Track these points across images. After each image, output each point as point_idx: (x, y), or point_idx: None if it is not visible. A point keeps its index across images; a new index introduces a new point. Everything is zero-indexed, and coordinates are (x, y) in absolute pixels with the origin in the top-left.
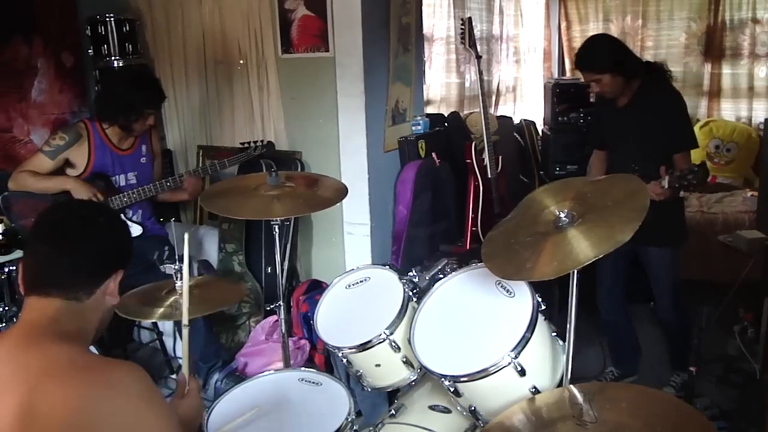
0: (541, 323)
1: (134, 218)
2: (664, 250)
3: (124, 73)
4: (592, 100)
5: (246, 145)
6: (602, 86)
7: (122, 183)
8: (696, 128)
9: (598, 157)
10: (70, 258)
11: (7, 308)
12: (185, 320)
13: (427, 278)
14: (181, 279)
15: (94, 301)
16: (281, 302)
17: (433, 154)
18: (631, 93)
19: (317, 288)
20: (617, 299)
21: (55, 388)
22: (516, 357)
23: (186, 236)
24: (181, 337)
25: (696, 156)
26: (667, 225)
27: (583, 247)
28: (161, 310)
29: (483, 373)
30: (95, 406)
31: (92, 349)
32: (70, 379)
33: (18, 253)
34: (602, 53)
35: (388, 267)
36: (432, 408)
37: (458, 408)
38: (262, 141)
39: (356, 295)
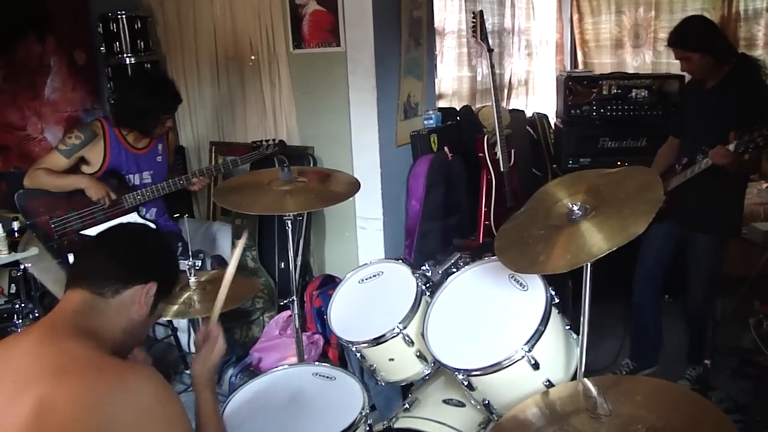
0: (555, 316)
1: (147, 216)
2: (710, 238)
3: (138, 78)
4: (605, 93)
5: (258, 143)
6: (691, 65)
7: (137, 182)
8: None
9: (670, 144)
10: (106, 253)
11: (23, 305)
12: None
13: (440, 272)
14: (194, 275)
15: (119, 302)
16: (295, 297)
17: (446, 148)
18: (719, 77)
19: (330, 283)
20: (654, 282)
21: (68, 385)
22: (529, 350)
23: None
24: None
25: None
26: (722, 213)
27: (596, 240)
28: (175, 307)
29: (497, 367)
30: (107, 406)
31: None
32: (85, 377)
33: (33, 251)
34: (697, 32)
35: (401, 261)
36: (446, 402)
37: (472, 402)
38: (273, 140)
39: (369, 290)
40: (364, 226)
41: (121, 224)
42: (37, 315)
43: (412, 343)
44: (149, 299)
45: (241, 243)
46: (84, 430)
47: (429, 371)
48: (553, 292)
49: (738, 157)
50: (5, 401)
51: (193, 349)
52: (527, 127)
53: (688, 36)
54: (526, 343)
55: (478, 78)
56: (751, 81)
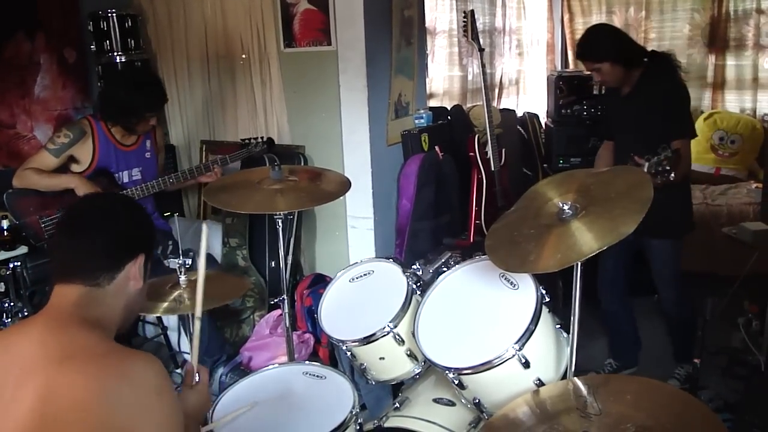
0: (545, 315)
1: None
2: (664, 242)
3: (126, 74)
4: (595, 92)
5: (246, 141)
6: (602, 75)
7: (126, 179)
8: (700, 120)
9: (606, 148)
10: (88, 245)
11: (12, 303)
12: (198, 313)
13: (430, 271)
14: (185, 273)
15: (115, 286)
16: (285, 296)
17: (437, 148)
18: (633, 82)
19: (321, 282)
20: (618, 290)
21: (72, 372)
22: (520, 349)
23: (204, 228)
24: (186, 332)
25: (701, 147)
26: (669, 217)
27: (586, 240)
28: (165, 304)
29: (487, 366)
30: (109, 392)
31: None
32: (88, 365)
33: (22, 249)
34: (600, 42)
35: (391, 260)
36: (436, 401)
37: (463, 401)
38: (262, 138)
39: (360, 289)
40: (354, 225)
41: (80, 202)
42: (26, 313)
43: (403, 342)
44: (141, 270)
45: (203, 244)
46: (89, 415)
47: (419, 370)
48: (544, 291)
49: (653, 178)
50: (13, 388)
51: (184, 348)
52: (518, 127)
53: (594, 47)
54: (516, 342)
55: (469, 77)
56: (666, 81)
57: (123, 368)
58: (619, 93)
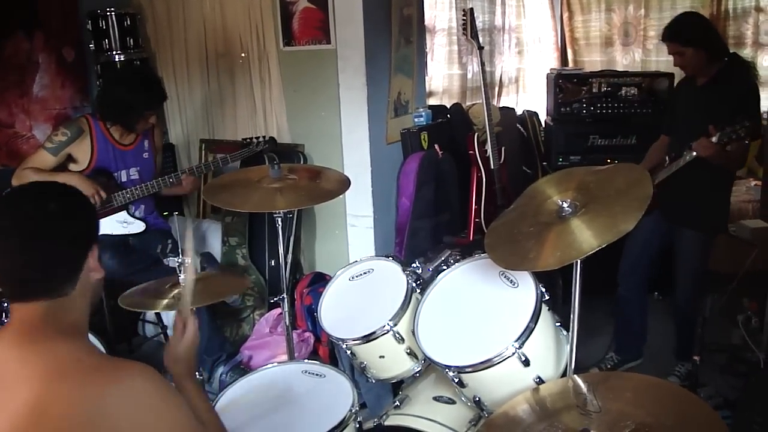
0: (545, 313)
1: (137, 214)
2: (697, 233)
3: (125, 72)
4: (594, 91)
5: (248, 140)
6: (684, 60)
7: (124, 178)
8: None
9: (662, 142)
10: (39, 257)
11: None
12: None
13: (430, 269)
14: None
15: (80, 286)
16: (285, 295)
17: (436, 146)
18: (710, 74)
19: (321, 280)
20: (639, 276)
21: (64, 388)
22: (520, 347)
23: (189, 229)
24: None
25: None
26: (709, 210)
27: (586, 237)
28: (165, 301)
29: (487, 364)
30: (103, 407)
31: (97, 344)
32: (80, 380)
33: None
34: (690, 27)
35: (391, 258)
36: (436, 399)
37: (463, 399)
38: (264, 137)
39: (360, 287)
40: (354, 224)
41: (7, 210)
42: (7, 322)
43: (403, 340)
44: (97, 260)
45: (189, 237)
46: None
47: (419, 368)
48: (543, 289)
49: (720, 149)
50: None
51: None
52: (517, 125)
53: (684, 30)
54: (516, 340)
55: (469, 76)
56: (742, 80)
57: (115, 381)
58: (694, 82)
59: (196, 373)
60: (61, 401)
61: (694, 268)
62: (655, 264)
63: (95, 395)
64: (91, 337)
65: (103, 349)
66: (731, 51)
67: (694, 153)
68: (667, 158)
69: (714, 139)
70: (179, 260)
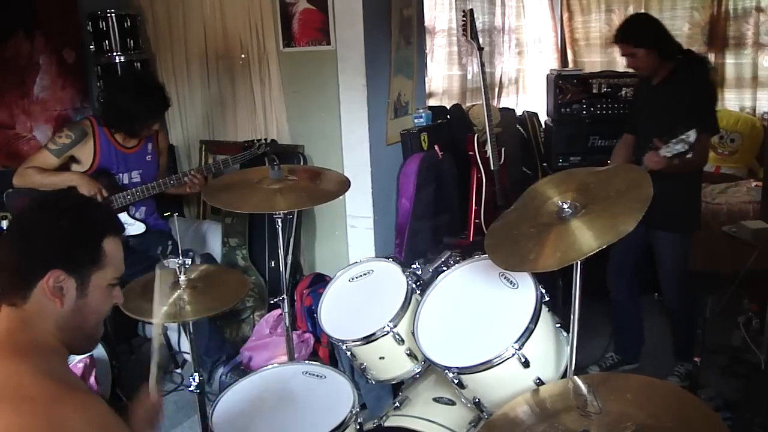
0: (545, 314)
1: (137, 215)
2: (672, 235)
3: (127, 80)
4: (594, 91)
5: (249, 143)
6: (636, 61)
7: (126, 181)
8: None
9: (625, 141)
10: (1, 258)
11: None
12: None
13: (430, 270)
14: (184, 274)
15: (34, 305)
16: (285, 296)
17: (436, 147)
18: (665, 73)
19: (321, 281)
20: (625, 280)
21: (2, 415)
22: (520, 348)
23: (158, 272)
24: (185, 332)
25: None
26: (677, 210)
27: (586, 238)
28: (164, 308)
29: (487, 365)
30: None
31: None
32: (14, 407)
33: None
34: (641, 28)
35: (391, 260)
36: (436, 400)
37: (462, 400)
38: (265, 139)
39: (360, 288)
40: (354, 225)
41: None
42: None
43: (403, 341)
44: (59, 289)
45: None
46: None
47: (419, 369)
48: (543, 290)
49: (670, 162)
50: None
51: (184, 348)
52: (517, 126)
53: (634, 32)
54: (516, 341)
55: (469, 76)
56: (696, 78)
57: (48, 416)
58: (650, 83)
59: None
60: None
61: (675, 268)
62: (642, 266)
63: (25, 426)
64: None
65: (104, 352)
66: (686, 49)
67: (647, 166)
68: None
69: (662, 153)
70: (179, 261)
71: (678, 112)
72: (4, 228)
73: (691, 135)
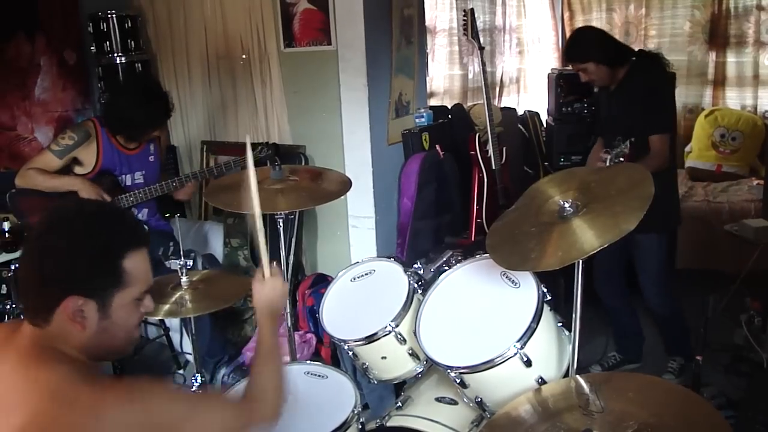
0: (547, 313)
1: (139, 217)
2: (647, 236)
3: (130, 85)
4: (595, 89)
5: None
6: (588, 75)
7: (129, 182)
8: (701, 117)
9: (599, 144)
10: (21, 277)
11: (14, 305)
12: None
13: (432, 270)
14: (186, 275)
15: (56, 328)
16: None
17: (437, 147)
18: (619, 79)
19: (322, 281)
20: (615, 284)
21: (43, 418)
22: (522, 347)
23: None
24: (187, 333)
25: (702, 144)
26: (652, 211)
27: (588, 237)
28: (167, 306)
29: (489, 364)
30: None
31: None
32: (57, 411)
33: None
34: (585, 44)
35: (393, 259)
36: (439, 400)
37: (465, 399)
38: (267, 143)
39: (361, 288)
40: (356, 225)
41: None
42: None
43: (405, 341)
44: (79, 314)
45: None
46: None
47: (421, 369)
48: (545, 290)
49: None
50: None
51: (186, 349)
52: (519, 125)
53: (579, 48)
54: (518, 341)
55: (470, 76)
56: (644, 78)
57: (94, 413)
58: (608, 89)
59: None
60: (46, 428)
61: (654, 268)
62: (627, 271)
63: (77, 426)
64: None
65: None
66: (639, 49)
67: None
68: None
69: (607, 164)
70: (181, 263)
71: (634, 115)
72: (6, 229)
73: (626, 146)
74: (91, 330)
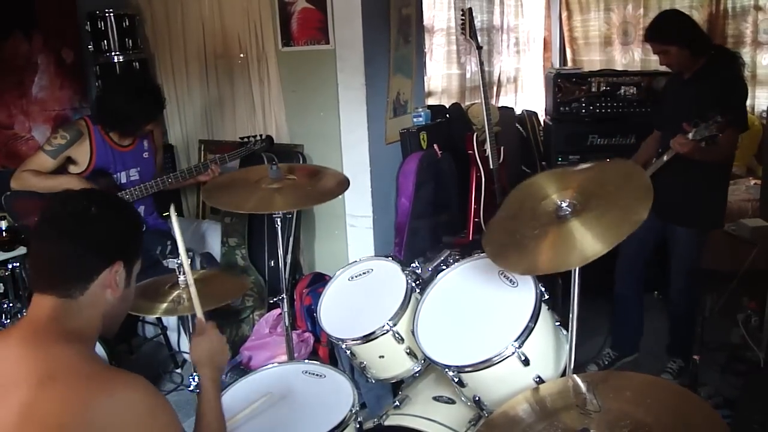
0: (545, 313)
1: None
2: (690, 231)
3: (123, 81)
4: (594, 90)
5: (245, 139)
6: (668, 58)
7: (124, 179)
8: None
9: (653, 137)
10: (56, 252)
11: (11, 304)
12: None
13: (429, 269)
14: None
15: (90, 296)
16: (284, 295)
17: (435, 146)
18: (696, 68)
19: (320, 281)
20: (636, 274)
21: (55, 392)
22: (520, 347)
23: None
24: (186, 332)
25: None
26: (702, 206)
27: (589, 240)
28: (164, 305)
29: (487, 363)
30: (93, 416)
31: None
32: (71, 386)
33: (21, 250)
34: (672, 26)
35: (390, 258)
36: (436, 399)
37: (462, 398)
38: (261, 135)
39: (359, 287)
40: (353, 224)
41: (55, 203)
42: (25, 314)
43: (402, 340)
44: (120, 279)
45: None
46: None
47: (419, 368)
48: (543, 289)
49: (697, 145)
50: None
51: (184, 348)
52: (516, 125)
53: (666, 29)
54: (516, 340)
55: (468, 75)
56: (725, 71)
57: (107, 391)
58: (681, 77)
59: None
60: (48, 405)
61: (688, 265)
62: (651, 262)
63: (84, 404)
64: None
65: (104, 352)
66: (717, 44)
67: (672, 150)
68: (656, 157)
69: (690, 136)
70: (179, 261)
71: (707, 107)
72: (3, 228)
73: (717, 121)
74: (118, 296)
